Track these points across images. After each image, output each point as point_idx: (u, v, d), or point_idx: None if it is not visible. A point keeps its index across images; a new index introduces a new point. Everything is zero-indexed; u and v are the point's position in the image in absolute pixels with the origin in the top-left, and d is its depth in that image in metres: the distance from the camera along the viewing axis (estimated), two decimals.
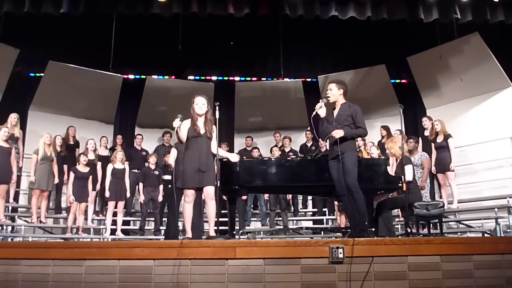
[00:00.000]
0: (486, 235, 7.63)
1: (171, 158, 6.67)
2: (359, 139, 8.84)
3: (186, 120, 5.25)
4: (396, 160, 6.73)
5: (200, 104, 5.27)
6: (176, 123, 5.15)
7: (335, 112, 5.46)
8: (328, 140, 5.45)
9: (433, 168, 8.45)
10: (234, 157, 5.66)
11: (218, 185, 5.50)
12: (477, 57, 8.89)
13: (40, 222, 8.42)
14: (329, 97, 5.46)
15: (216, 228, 5.20)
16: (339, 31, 9.55)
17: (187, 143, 5.23)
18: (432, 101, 9.94)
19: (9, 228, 8.22)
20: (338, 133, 5.20)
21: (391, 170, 6.53)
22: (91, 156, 9.05)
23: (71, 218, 8.45)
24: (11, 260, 4.48)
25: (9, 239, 7.98)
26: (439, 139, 8.43)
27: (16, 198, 9.16)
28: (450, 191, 8.48)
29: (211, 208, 5.16)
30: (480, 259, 4.32)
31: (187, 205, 5.17)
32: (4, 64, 9.24)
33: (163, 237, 8.24)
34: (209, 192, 5.11)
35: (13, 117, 8.71)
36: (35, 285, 4.36)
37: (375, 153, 7.82)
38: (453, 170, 8.35)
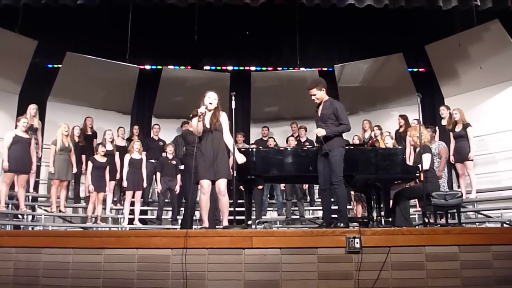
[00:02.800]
0: (505, 225, 7.54)
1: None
2: (375, 128, 8.87)
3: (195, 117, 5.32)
4: (415, 150, 6.67)
5: (212, 99, 5.34)
6: (202, 109, 5.23)
7: (319, 110, 5.64)
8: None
9: (452, 158, 8.37)
10: (240, 159, 5.59)
11: (235, 175, 5.53)
12: (497, 45, 8.72)
13: (60, 211, 8.55)
14: (315, 100, 5.67)
15: (232, 218, 5.25)
16: (356, 20, 9.43)
17: (199, 137, 5.33)
18: (451, 89, 9.79)
19: (30, 217, 8.38)
20: (320, 132, 5.43)
21: (409, 159, 6.48)
22: (109, 146, 9.14)
23: (90, 208, 8.57)
24: (33, 249, 4.59)
25: (30, 228, 8.13)
26: (458, 128, 8.33)
27: (36, 188, 9.31)
28: (468, 180, 8.39)
29: (223, 203, 5.26)
30: (499, 249, 4.29)
31: (203, 197, 5.26)
32: (23, 55, 9.35)
33: (180, 226, 8.32)
34: (221, 188, 5.20)
35: (32, 108, 8.83)
36: (55, 273, 4.46)
37: (390, 143, 7.75)
38: (472, 160, 8.25)
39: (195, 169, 5.26)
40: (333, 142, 5.40)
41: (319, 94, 5.61)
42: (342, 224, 5.18)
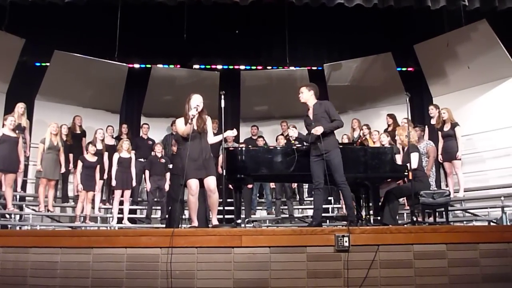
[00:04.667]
0: (492, 223, 7.61)
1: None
2: (364, 127, 8.91)
3: (180, 118, 5.45)
4: (403, 149, 6.72)
5: (198, 101, 5.40)
6: (193, 111, 5.26)
7: (310, 113, 5.72)
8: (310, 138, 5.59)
9: (440, 157, 8.43)
10: (231, 133, 5.65)
11: (224, 174, 5.56)
12: (484, 45, 8.78)
13: (48, 210, 8.49)
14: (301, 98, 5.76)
15: (221, 216, 5.26)
16: (345, 19, 9.46)
17: (185, 139, 5.41)
18: (439, 89, 9.85)
19: (17, 217, 8.29)
20: (318, 130, 5.42)
21: (401, 158, 6.52)
22: (99, 145, 9.09)
23: (79, 207, 8.53)
24: (20, 249, 4.54)
25: (18, 228, 8.06)
26: (446, 127, 8.39)
27: (23, 187, 9.23)
28: (456, 179, 8.45)
29: (213, 200, 5.34)
30: (486, 247, 4.33)
31: (191, 198, 5.30)
32: (10, 54, 9.24)
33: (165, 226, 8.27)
34: (210, 186, 5.26)
35: (20, 107, 8.73)
36: (43, 273, 4.42)
37: (385, 141, 7.75)
38: (460, 159, 8.32)
39: (183, 170, 5.29)
40: (330, 143, 5.48)
41: (305, 95, 5.72)
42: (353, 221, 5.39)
